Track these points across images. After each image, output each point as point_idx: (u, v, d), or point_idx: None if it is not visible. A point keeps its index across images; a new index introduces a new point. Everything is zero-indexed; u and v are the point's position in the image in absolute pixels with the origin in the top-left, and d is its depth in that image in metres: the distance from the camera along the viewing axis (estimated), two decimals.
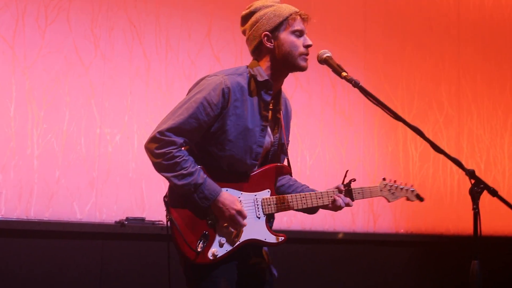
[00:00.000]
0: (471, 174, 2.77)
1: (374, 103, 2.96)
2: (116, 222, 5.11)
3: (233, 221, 3.03)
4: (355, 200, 3.34)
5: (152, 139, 3.00)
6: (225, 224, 3.05)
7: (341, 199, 3.24)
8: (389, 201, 3.47)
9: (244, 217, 3.05)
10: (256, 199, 3.13)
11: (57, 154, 5.05)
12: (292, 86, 6.01)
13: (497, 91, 7.35)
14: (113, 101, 5.29)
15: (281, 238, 3.17)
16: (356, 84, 2.96)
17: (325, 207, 3.27)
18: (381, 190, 3.43)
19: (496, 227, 6.90)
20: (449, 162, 2.96)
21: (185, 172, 2.97)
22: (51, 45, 5.11)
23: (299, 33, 3.12)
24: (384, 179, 3.46)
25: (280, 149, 3.27)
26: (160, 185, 5.23)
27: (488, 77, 7.31)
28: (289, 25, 3.11)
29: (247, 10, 3.19)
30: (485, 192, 2.77)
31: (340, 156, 6.25)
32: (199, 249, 2.99)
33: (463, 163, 2.82)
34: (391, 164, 6.52)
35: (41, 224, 4.88)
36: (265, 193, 3.16)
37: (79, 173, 5.11)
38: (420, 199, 3.51)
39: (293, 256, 5.76)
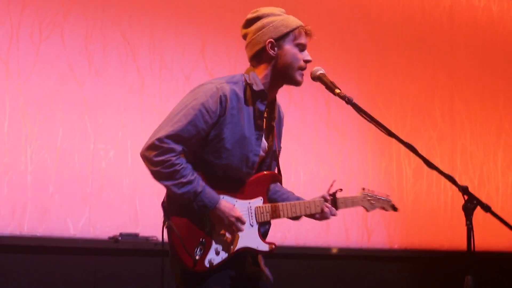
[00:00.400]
0: (464, 190, 2.77)
1: (368, 120, 2.97)
2: (109, 238, 5.10)
3: (233, 228, 3.03)
4: (339, 211, 3.36)
5: (150, 147, 2.95)
6: (222, 232, 3.04)
7: (328, 209, 3.27)
8: (367, 211, 3.51)
9: (243, 223, 3.05)
10: (250, 207, 3.13)
11: (51, 170, 5.04)
12: (286, 102, 6.02)
13: (490, 107, 7.38)
14: (107, 117, 5.29)
15: (271, 247, 3.17)
16: (349, 101, 2.98)
17: (311, 216, 3.29)
18: (362, 200, 3.48)
19: (489, 243, 6.90)
20: (443, 179, 2.96)
21: (184, 180, 2.94)
22: (45, 61, 5.12)
23: (302, 47, 3.13)
24: (363, 189, 3.52)
25: (273, 156, 3.27)
26: (154, 200, 5.22)
27: (481, 94, 7.34)
28: (295, 38, 3.11)
29: (254, 14, 3.17)
30: (478, 208, 2.79)
31: (334, 172, 6.25)
32: (196, 257, 2.98)
33: (457, 179, 2.83)
34: (384, 180, 6.53)
35: (34, 240, 4.86)
36: (258, 201, 3.16)
37: (72, 189, 5.10)
38: (394, 209, 3.54)
39: (287, 271, 5.75)
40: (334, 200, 3.31)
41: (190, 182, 2.95)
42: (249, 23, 3.18)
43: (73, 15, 5.25)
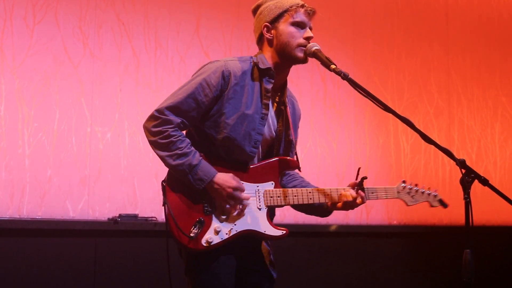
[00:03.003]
0: (461, 163, 2.78)
1: (364, 95, 2.96)
2: (109, 219, 5.11)
3: (233, 199, 3.00)
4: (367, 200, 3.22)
5: (150, 117, 3.03)
6: (224, 212, 3.01)
7: (349, 193, 3.13)
8: (407, 205, 3.31)
9: (242, 190, 3.02)
10: (258, 190, 3.10)
11: (48, 153, 5.04)
12: None
13: (486, 82, 7.37)
14: (103, 99, 5.28)
15: (282, 232, 3.12)
16: (345, 77, 2.97)
17: (333, 205, 3.17)
18: (398, 192, 3.28)
19: (488, 217, 6.92)
20: (441, 153, 2.97)
21: (180, 152, 2.96)
22: (40, 44, 5.10)
23: (300, 25, 3.13)
24: (404, 181, 3.29)
25: (287, 145, 3.25)
26: (153, 181, 5.23)
27: (478, 68, 7.33)
28: (289, 16, 3.12)
29: (255, 5, 3.26)
30: (477, 183, 2.79)
31: (332, 150, 6.25)
32: (192, 235, 2.96)
33: (455, 154, 2.84)
34: (382, 156, 6.53)
35: (34, 223, 4.87)
36: (269, 185, 3.12)
37: (71, 171, 5.11)
38: (444, 205, 3.33)
39: (287, 249, 5.76)
40: (362, 190, 3.16)
41: (185, 154, 2.97)
42: (253, 12, 3.27)
43: None
